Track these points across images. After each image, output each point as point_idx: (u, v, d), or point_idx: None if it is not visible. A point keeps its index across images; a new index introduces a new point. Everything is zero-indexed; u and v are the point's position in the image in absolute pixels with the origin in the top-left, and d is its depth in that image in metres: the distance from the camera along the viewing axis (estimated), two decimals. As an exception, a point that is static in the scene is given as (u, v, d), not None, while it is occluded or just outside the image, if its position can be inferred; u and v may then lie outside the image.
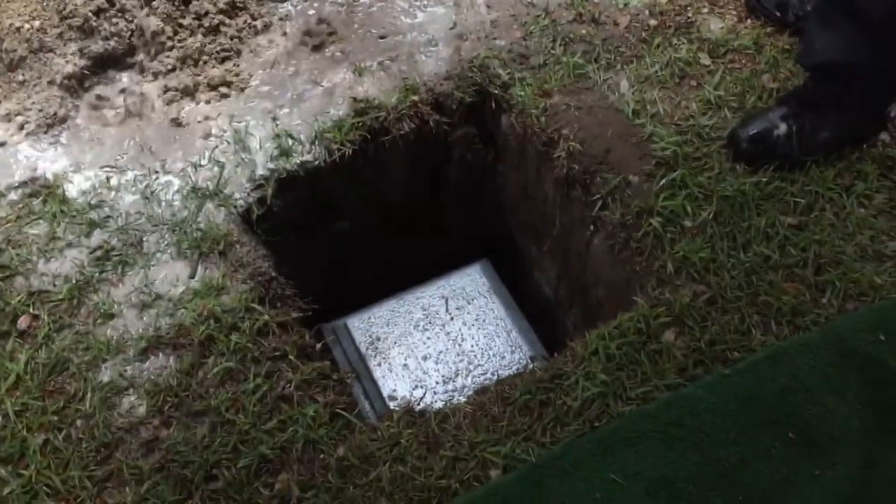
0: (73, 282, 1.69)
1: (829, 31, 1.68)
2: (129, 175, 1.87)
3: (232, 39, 2.10)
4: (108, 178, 1.86)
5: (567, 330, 2.15)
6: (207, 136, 1.94)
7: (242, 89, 2.02)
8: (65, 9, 2.03)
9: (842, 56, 1.69)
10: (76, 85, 2.00)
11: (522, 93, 1.98)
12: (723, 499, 1.39)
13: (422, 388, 1.96)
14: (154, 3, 2.08)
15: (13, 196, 1.83)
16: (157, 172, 1.87)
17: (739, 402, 1.49)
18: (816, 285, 1.64)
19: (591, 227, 1.87)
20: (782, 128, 1.78)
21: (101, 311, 1.65)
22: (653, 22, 2.12)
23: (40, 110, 1.94)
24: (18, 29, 2.03)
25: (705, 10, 2.14)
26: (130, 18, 2.06)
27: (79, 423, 1.52)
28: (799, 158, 1.79)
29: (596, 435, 1.47)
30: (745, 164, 1.81)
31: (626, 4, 2.16)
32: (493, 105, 2.05)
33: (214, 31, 2.10)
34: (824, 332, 1.57)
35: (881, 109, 1.83)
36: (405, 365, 2.01)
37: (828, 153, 1.80)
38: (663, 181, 1.78)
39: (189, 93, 2.01)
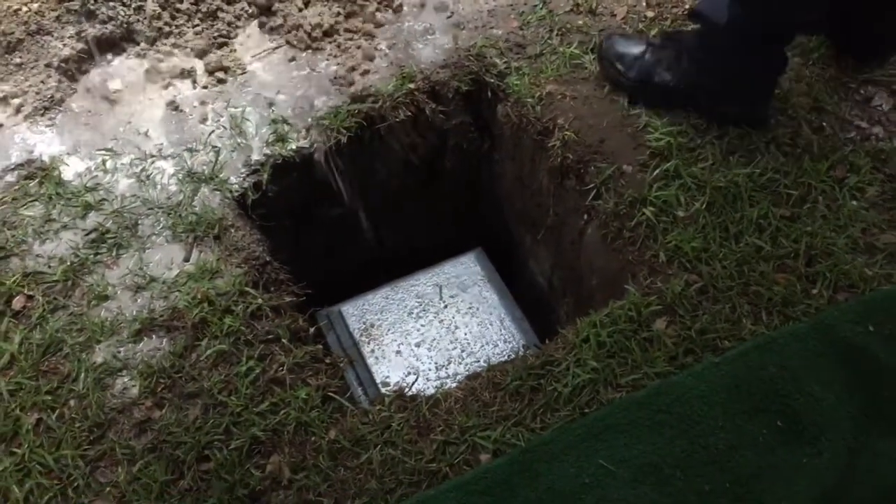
0: (68, 263, 1.70)
1: None
2: (125, 158, 1.87)
3: (230, 25, 2.10)
4: (103, 161, 1.86)
5: (560, 319, 2.16)
6: (204, 120, 1.94)
7: (239, 74, 2.03)
8: (63, -8, 2.04)
9: (705, 6, 1.76)
10: (73, 68, 2.00)
11: (518, 82, 1.99)
12: (710, 485, 1.40)
13: (414, 374, 1.97)
14: (152, -13, 2.08)
15: (9, 178, 1.84)
16: (153, 156, 1.88)
17: (728, 390, 1.50)
18: (807, 276, 1.65)
19: (585, 217, 1.88)
20: (638, 50, 1.89)
21: (96, 292, 1.66)
22: (650, 13, 2.12)
23: (37, 93, 1.94)
24: (16, 11, 2.03)
25: (702, 3, 2.14)
26: (128, 2, 2.07)
27: (72, 403, 1.53)
28: (629, 80, 1.89)
29: (586, 421, 1.48)
30: (599, 66, 1.96)
31: (623, -5, 2.16)
32: (489, 94, 2.05)
33: (212, 16, 2.10)
34: (814, 323, 1.58)
35: (726, 87, 1.84)
36: (398, 352, 2.02)
37: (655, 105, 1.89)
38: (657, 171, 1.79)
39: (186, 77, 2.01)
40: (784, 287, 1.63)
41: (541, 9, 2.14)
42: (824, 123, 1.88)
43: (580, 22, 2.11)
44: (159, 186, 1.83)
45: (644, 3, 2.14)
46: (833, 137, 1.86)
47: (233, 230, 1.77)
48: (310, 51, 2.09)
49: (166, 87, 2.00)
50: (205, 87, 2.00)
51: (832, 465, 1.43)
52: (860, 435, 1.46)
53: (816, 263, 1.66)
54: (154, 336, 1.62)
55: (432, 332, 2.06)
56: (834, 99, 1.92)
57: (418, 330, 2.07)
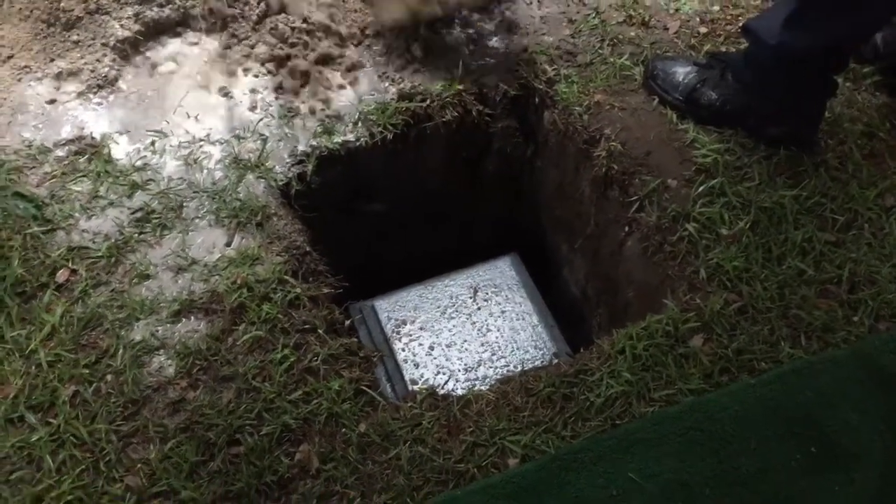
0: (113, 240, 1.72)
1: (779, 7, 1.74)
2: (174, 141, 1.89)
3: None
4: (153, 143, 1.88)
5: (592, 329, 2.15)
6: (253, 108, 1.96)
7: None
8: (123, -27, 2.07)
9: (758, 24, 1.77)
10: (129, 49, 2.03)
11: (567, 90, 1.99)
12: (739, 506, 1.40)
13: (444, 374, 1.97)
14: (211, -26, 2.11)
15: (60, 152, 1.86)
16: (201, 140, 1.90)
17: (763, 412, 1.49)
18: (849, 303, 1.64)
19: (626, 229, 1.87)
20: (683, 71, 1.89)
21: (138, 271, 1.68)
22: (703, 29, 2.12)
23: (92, 71, 1.97)
24: (77, -11, 2.06)
25: (757, 21, 2.13)
26: (186, -13, 2.09)
27: (109, 378, 1.54)
28: (677, 100, 1.90)
29: (617, 433, 1.47)
30: (644, 88, 1.97)
31: (677, 10, 2.16)
32: (537, 100, 2.06)
33: (267, 5, 2.12)
34: (854, 350, 1.56)
35: (771, 107, 1.84)
36: (429, 351, 2.02)
37: (703, 121, 1.90)
38: (702, 188, 1.78)
39: (239, 65, 2.03)
40: (825, 312, 1.62)
41: (593, 18, 2.14)
42: (875, 150, 1.86)
43: (632, 34, 2.11)
44: (206, 171, 1.85)
45: (698, 19, 2.14)
46: (882, 164, 1.85)
47: (275, 218, 1.79)
48: (361, 47, 2.10)
49: (219, 73, 2.01)
50: (256, 76, 2.02)
51: (864, 495, 1.41)
52: (894, 467, 1.44)
53: (859, 291, 1.65)
54: (192, 318, 1.63)
55: (464, 333, 2.06)
56: (886, 126, 1.91)
57: (450, 330, 2.07)
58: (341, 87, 2.02)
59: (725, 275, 1.67)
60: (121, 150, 1.87)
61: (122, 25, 2.03)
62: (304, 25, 2.10)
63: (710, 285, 1.67)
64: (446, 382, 1.93)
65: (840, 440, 1.47)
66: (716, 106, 1.86)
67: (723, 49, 2.06)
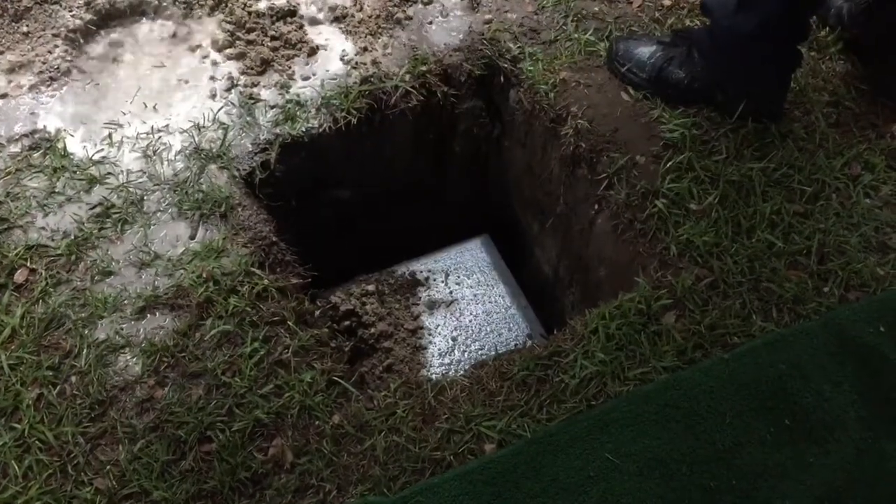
0: (72, 237, 1.67)
1: None
2: (132, 132, 1.84)
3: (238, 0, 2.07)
4: (110, 135, 1.84)
5: (565, 309, 2.14)
6: (213, 96, 1.91)
7: (250, 51, 2.00)
8: (72, -39, 2.00)
9: (713, 3, 1.76)
10: (81, 38, 1.97)
11: (532, 68, 1.96)
12: (716, 481, 1.39)
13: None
14: (162, -41, 2.05)
15: (13, 148, 1.81)
16: (160, 131, 1.85)
17: (737, 386, 1.49)
18: (819, 274, 1.64)
19: (596, 207, 1.86)
20: (648, 50, 1.87)
21: (100, 268, 1.64)
22: (667, 2, 2.10)
23: (43, 63, 1.91)
24: (24, -21, 2.00)
25: (720, -7, 2.11)
26: (139, -26, 2.03)
27: (73, 379, 1.51)
28: (644, 81, 1.88)
29: (592, 414, 1.47)
30: (609, 70, 1.94)
31: (640, -17, 2.14)
32: (502, 79, 2.03)
33: (223, -10, 2.07)
34: (825, 321, 1.57)
35: (735, 83, 1.82)
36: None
37: (671, 100, 1.87)
38: (670, 163, 1.77)
39: (195, 51, 1.98)
40: (795, 284, 1.62)
41: (556, -7, 2.11)
42: (841, 119, 1.86)
43: (596, 8, 2.08)
44: (166, 162, 1.80)
45: (661, -8, 2.12)
46: (849, 133, 1.85)
47: (239, 209, 1.75)
48: (322, 31, 2.06)
49: (176, 61, 1.96)
50: (214, 64, 1.97)
51: (839, 466, 1.42)
52: (868, 436, 1.45)
53: (828, 261, 1.65)
54: (158, 314, 1.60)
55: (437, 318, 2.04)
56: (851, 94, 1.91)
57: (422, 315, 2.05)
58: (302, 72, 1.97)
59: (696, 250, 1.66)
60: (77, 144, 1.82)
61: (73, 14, 1.97)
62: (263, 10, 2.05)
63: (680, 261, 1.66)
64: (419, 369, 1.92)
65: (813, 412, 1.47)
66: (683, 84, 1.84)
67: (687, 22, 2.04)
